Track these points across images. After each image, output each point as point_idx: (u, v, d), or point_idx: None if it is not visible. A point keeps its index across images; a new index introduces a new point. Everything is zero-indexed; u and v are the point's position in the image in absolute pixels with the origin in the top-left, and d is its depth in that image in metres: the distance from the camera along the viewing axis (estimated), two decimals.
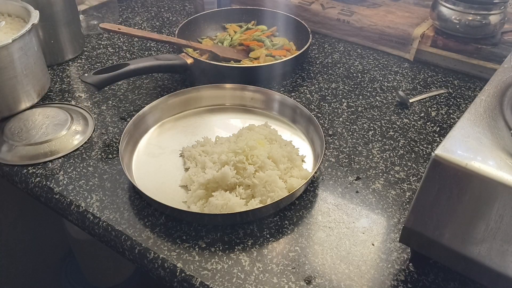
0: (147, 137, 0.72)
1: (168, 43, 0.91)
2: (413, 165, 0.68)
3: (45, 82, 0.80)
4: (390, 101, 0.83)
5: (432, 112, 0.80)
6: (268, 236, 0.57)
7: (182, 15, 1.14)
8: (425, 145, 0.72)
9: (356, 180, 0.65)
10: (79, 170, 0.66)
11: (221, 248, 0.55)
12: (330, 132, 0.74)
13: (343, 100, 0.83)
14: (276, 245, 0.56)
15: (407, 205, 0.61)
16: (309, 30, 0.92)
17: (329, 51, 0.99)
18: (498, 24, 0.89)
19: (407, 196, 0.63)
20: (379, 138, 0.73)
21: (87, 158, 0.68)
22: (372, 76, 0.90)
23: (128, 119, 0.75)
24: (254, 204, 0.58)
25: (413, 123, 0.77)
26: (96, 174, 0.65)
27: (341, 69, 0.92)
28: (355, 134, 0.74)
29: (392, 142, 0.73)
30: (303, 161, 0.67)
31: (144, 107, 0.72)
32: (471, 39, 0.90)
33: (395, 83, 0.88)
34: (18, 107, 0.75)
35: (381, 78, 0.90)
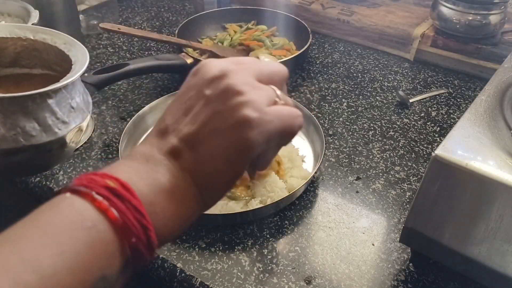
0: None
1: (168, 43, 0.91)
2: (413, 165, 0.68)
3: None
4: (390, 101, 0.83)
5: (432, 112, 0.80)
6: (268, 236, 0.57)
7: (182, 15, 1.14)
8: (425, 145, 0.72)
9: (356, 180, 0.65)
10: (79, 170, 0.66)
11: (221, 248, 0.55)
12: (330, 132, 0.74)
13: (343, 100, 0.83)
14: (276, 245, 0.55)
15: (407, 205, 0.61)
16: (309, 30, 0.92)
17: (329, 51, 0.99)
18: (498, 24, 0.89)
19: (407, 196, 0.63)
20: (379, 138, 0.73)
21: (87, 158, 0.68)
22: (372, 76, 0.90)
23: (128, 119, 0.75)
24: (254, 204, 0.58)
25: (413, 123, 0.77)
26: None
27: (341, 69, 0.92)
28: (355, 134, 0.74)
29: (392, 142, 0.73)
30: (303, 161, 0.67)
31: (144, 107, 0.72)
32: (471, 39, 0.90)
33: (395, 83, 0.88)
34: None
35: (381, 78, 0.89)
